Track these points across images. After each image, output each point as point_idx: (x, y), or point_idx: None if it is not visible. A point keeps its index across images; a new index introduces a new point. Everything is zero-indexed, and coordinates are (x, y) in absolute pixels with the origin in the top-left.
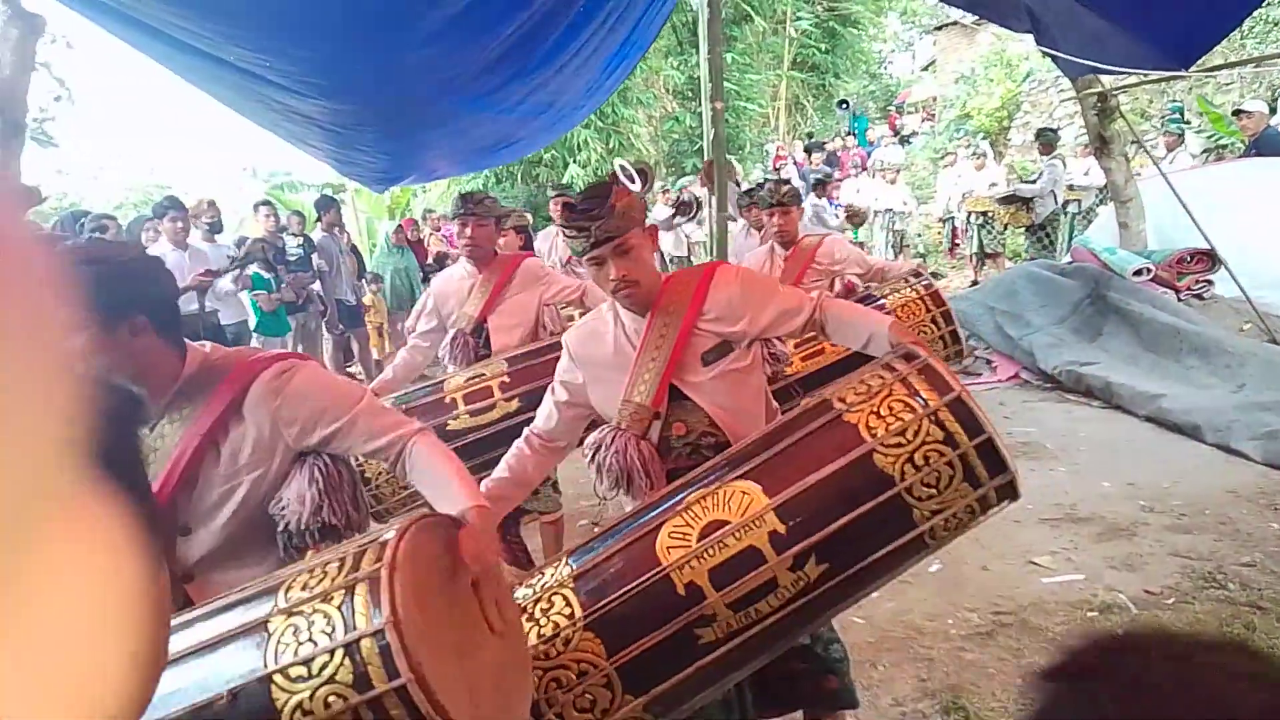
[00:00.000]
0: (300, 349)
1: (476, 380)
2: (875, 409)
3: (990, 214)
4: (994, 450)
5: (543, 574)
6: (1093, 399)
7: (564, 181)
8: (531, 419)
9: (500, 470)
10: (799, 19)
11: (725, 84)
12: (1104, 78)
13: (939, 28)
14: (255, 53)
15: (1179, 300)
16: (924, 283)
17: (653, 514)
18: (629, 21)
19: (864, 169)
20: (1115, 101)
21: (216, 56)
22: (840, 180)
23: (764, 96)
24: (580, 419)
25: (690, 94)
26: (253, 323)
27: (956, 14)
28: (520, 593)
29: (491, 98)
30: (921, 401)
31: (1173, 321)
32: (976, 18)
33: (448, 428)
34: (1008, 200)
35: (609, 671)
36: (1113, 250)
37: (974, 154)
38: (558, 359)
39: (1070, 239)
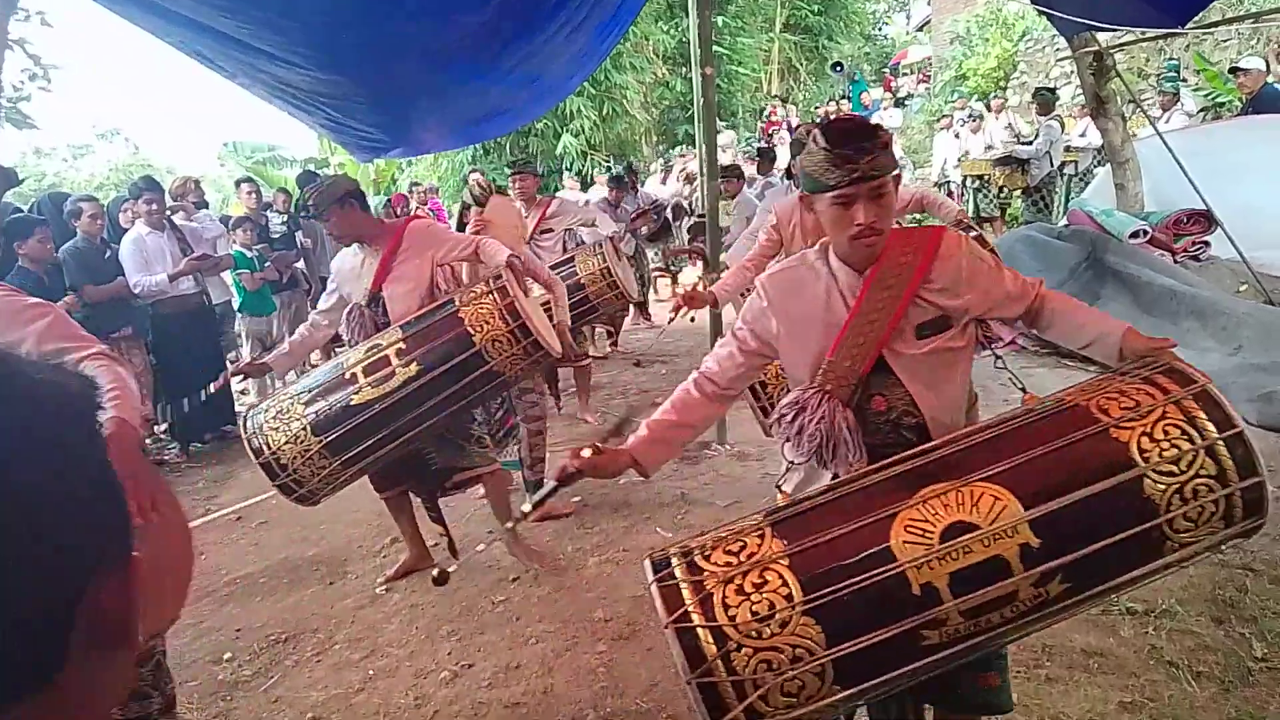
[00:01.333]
0: (286, 327)
1: (374, 351)
2: (1148, 430)
3: (986, 177)
4: (1259, 493)
5: (743, 541)
6: (1090, 364)
7: (558, 152)
8: (433, 381)
9: (665, 411)
10: None
11: (716, 48)
12: (1100, 36)
13: None
14: (244, 23)
15: (1175, 262)
16: (971, 234)
17: (879, 498)
18: None
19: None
20: (1111, 60)
21: (206, 25)
22: None
23: (756, 60)
24: (759, 369)
25: (681, 59)
26: (236, 302)
27: None
28: (719, 558)
29: (481, 68)
30: (1199, 431)
31: (1170, 284)
32: None
33: (351, 403)
34: (1004, 162)
35: (825, 662)
36: (1110, 213)
37: (970, 116)
38: (450, 317)
39: (1067, 201)
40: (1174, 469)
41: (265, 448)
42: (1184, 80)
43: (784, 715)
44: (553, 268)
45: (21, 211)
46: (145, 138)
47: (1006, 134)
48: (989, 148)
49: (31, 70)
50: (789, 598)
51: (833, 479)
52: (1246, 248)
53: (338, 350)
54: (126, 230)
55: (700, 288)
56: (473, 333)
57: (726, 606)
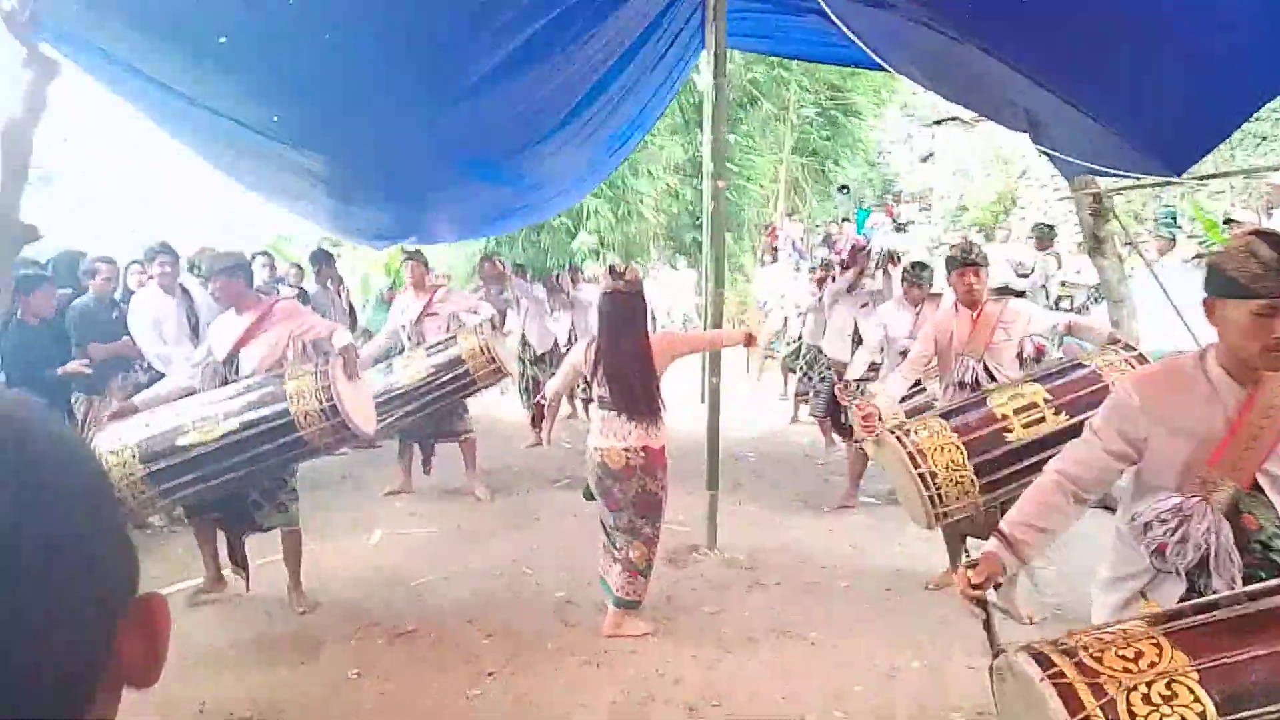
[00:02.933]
0: None
1: (209, 404)
2: None
3: None
4: None
5: (1136, 647)
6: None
7: (571, 248)
8: (251, 437)
9: (1025, 514)
10: (802, 106)
11: (727, 164)
12: (1099, 179)
13: (938, 122)
14: (262, 106)
15: None
16: (1132, 352)
17: None
18: (637, 100)
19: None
20: (1110, 203)
21: (220, 112)
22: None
23: (765, 178)
24: (1118, 473)
25: (692, 169)
26: None
27: (956, 109)
28: (1112, 661)
29: (497, 169)
30: None
31: None
32: (975, 114)
33: (177, 443)
34: (1000, 293)
35: None
36: None
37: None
38: (277, 387)
39: (1063, 337)
40: None
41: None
42: (1179, 227)
43: None
44: (434, 345)
45: (38, 264)
46: (161, 204)
47: (1005, 266)
48: None
49: (64, 134)
50: (1202, 715)
51: (1189, 592)
52: None
53: None
54: (133, 292)
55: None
56: (290, 404)
57: (1133, 715)
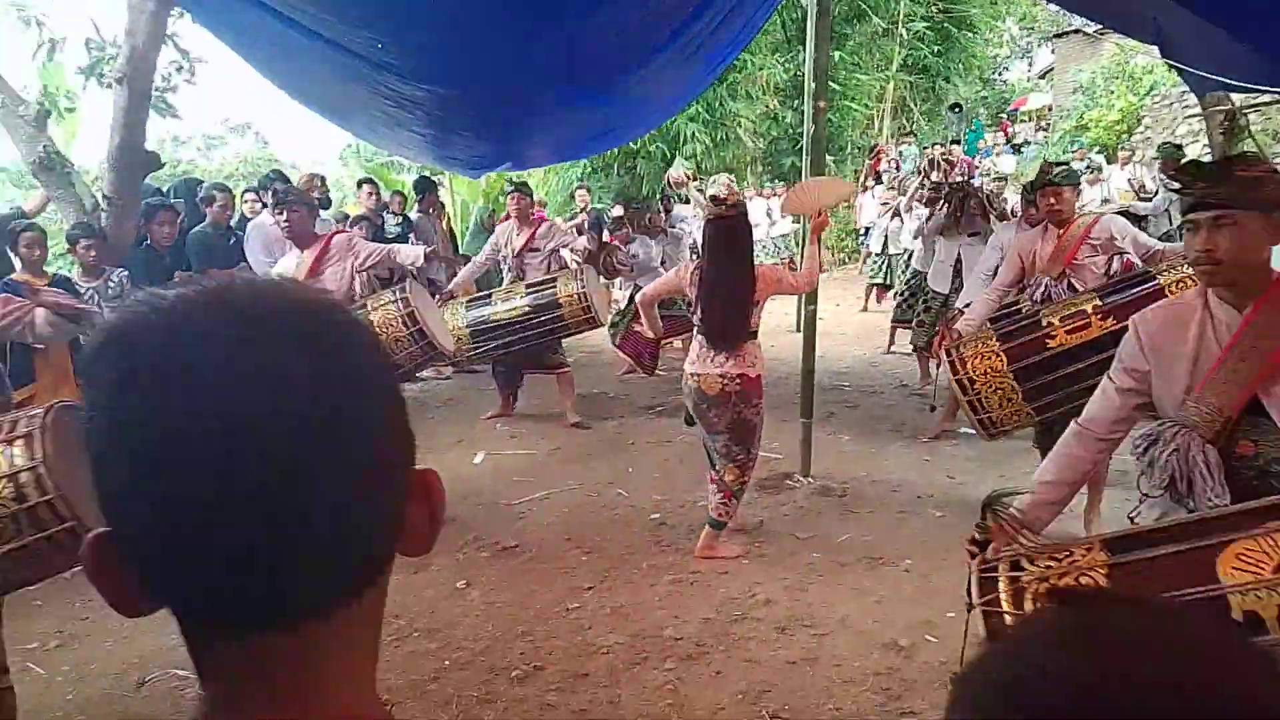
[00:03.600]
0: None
1: None
2: None
3: None
4: None
5: (1073, 553)
6: None
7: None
8: None
9: (1046, 473)
10: (912, 20)
11: (830, 83)
12: (1234, 95)
13: (1058, 35)
14: (371, 34)
15: None
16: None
17: (1217, 527)
18: (740, 16)
19: (971, 177)
20: (1245, 120)
21: (327, 38)
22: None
23: (869, 97)
24: (1141, 409)
25: (794, 91)
26: None
27: (1078, 21)
28: (1042, 562)
29: (597, 92)
30: None
31: None
32: (1099, 26)
33: None
34: (1120, 215)
35: None
36: None
37: (1088, 168)
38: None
39: None
40: None
41: None
42: None
43: None
44: (535, 284)
45: (161, 193)
46: (274, 133)
47: (1127, 188)
48: (1105, 200)
49: (180, 63)
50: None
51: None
52: None
53: None
54: (249, 219)
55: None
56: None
57: (1036, 601)
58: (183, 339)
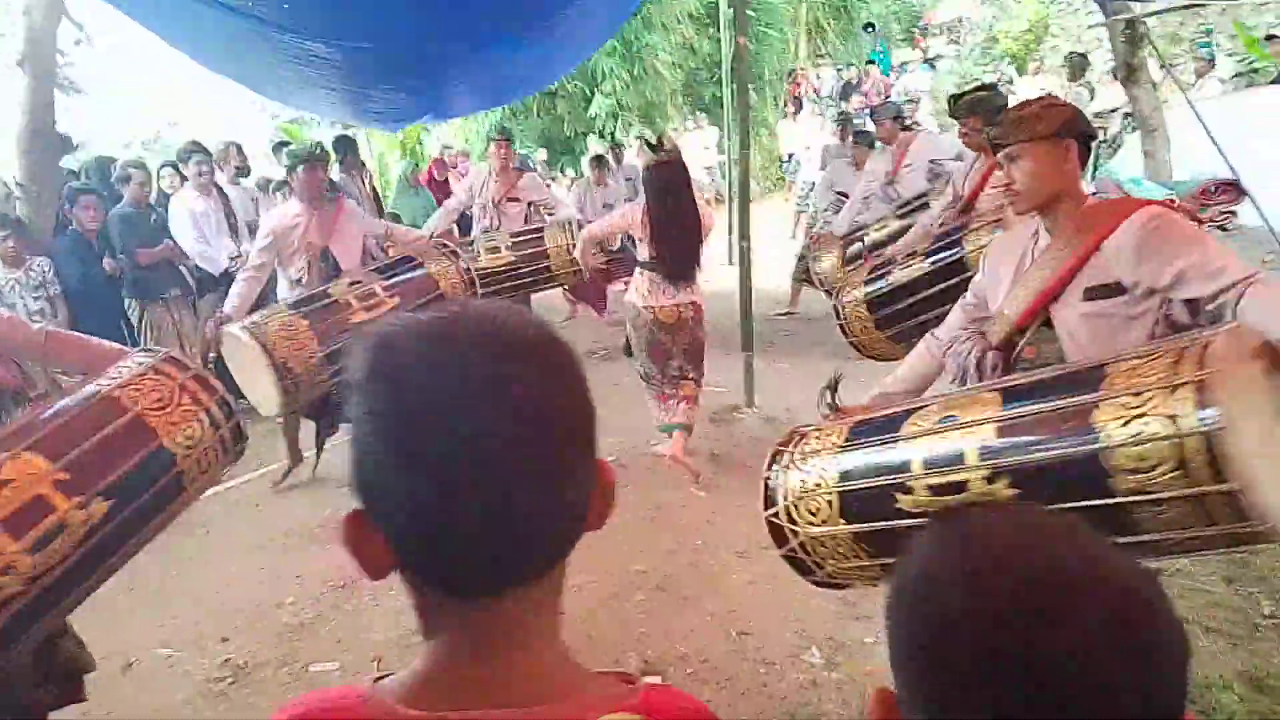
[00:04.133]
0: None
1: (365, 290)
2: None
3: None
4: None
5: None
6: None
7: (589, 114)
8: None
9: (894, 375)
10: None
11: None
12: (1134, 3)
13: None
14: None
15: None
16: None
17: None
18: None
19: (888, 97)
20: (1144, 28)
21: (229, 5)
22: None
23: (784, 21)
24: (980, 322)
25: (708, 19)
26: None
27: None
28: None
29: (518, 36)
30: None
31: None
32: None
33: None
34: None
35: (833, 494)
36: (1138, 182)
37: (1001, 81)
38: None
39: (1096, 167)
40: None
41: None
42: (1219, 45)
43: (807, 529)
44: (522, 233)
45: (77, 176)
46: (173, 96)
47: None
48: None
49: (78, 37)
50: (833, 446)
51: None
52: (1274, 216)
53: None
54: (169, 195)
55: None
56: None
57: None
58: (438, 358)
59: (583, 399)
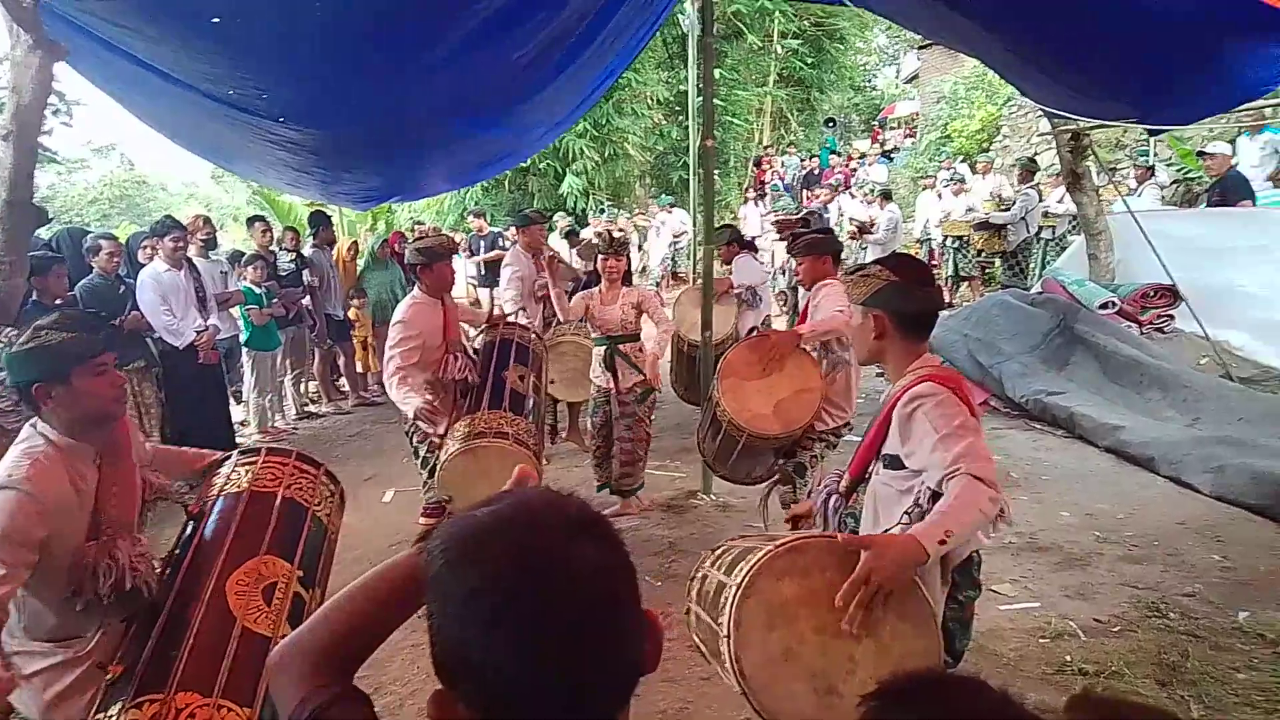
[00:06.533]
0: (289, 363)
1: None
2: None
3: (966, 238)
4: None
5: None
6: (1057, 428)
7: (560, 191)
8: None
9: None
10: (786, 36)
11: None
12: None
13: (924, 46)
14: (256, 86)
15: (1141, 334)
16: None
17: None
18: (623, 39)
19: (847, 187)
20: (1088, 140)
21: (210, 94)
22: (823, 196)
23: (750, 111)
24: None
25: (677, 106)
26: (243, 336)
27: None
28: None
29: (492, 121)
30: None
31: (1136, 355)
32: None
33: None
34: (982, 226)
35: None
36: (1081, 282)
37: (953, 178)
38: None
39: (1043, 266)
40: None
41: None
42: (1157, 154)
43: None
44: None
45: (46, 244)
46: (140, 154)
47: (989, 198)
48: (970, 209)
49: (56, 106)
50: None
51: None
52: (1207, 325)
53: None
54: (143, 265)
55: None
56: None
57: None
58: (519, 554)
59: (629, 564)
